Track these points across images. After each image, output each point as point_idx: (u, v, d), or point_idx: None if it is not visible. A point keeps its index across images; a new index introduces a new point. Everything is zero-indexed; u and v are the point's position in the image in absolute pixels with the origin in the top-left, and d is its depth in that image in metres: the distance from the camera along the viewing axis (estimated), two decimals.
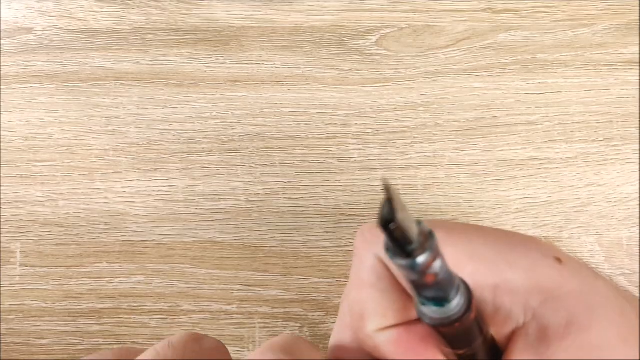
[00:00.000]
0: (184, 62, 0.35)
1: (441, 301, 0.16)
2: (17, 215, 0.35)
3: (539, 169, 0.35)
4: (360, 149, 0.35)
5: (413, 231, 0.14)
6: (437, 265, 0.15)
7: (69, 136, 0.35)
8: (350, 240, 0.34)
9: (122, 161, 0.35)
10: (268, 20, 0.35)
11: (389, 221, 0.14)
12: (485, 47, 0.36)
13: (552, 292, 0.18)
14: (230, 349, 0.34)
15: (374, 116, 0.35)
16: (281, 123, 0.35)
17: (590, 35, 0.36)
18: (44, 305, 0.34)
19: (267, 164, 0.35)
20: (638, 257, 0.36)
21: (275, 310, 0.34)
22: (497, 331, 0.19)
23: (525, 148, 0.35)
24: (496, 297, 0.19)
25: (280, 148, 0.35)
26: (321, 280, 0.34)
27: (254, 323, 0.34)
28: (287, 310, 0.34)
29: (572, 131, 0.36)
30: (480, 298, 0.19)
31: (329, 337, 0.24)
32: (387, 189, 0.14)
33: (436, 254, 0.15)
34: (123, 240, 0.35)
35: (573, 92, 0.36)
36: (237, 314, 0.34)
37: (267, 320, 0.34)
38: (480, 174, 0.35)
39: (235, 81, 0.35)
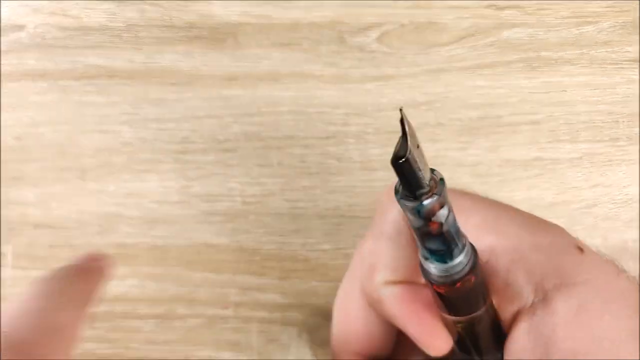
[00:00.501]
0: (179, 60, 0.35)
1: (443, 256, 0.16)
2: (8, 217, 0.34)
3: (544, 169, 0.35)
4: (360, 149, 0.35)
5: (425, 174, 0.14)
6: (443, 213, 0.15)
7: (61, 136, 0.35)
8: (350, 243, 0.34)
9: (116, 161, 0.35)
10: (265, 17, 0.35)
11: (401, 157, 0.14)
12: (489, 45, 0.35)
13: (569, 278, 0.18)
14: (226, 355, 0.33)
15: (375, 115, 0.35)
16: (279, 122, 0.35)
17: (595, 33, 0.36)
18: None
19: (265, 164, 0.35)
20: None
21: (273, 315, 0.34)
22: (503, 307, 0.19)
23: (529, 148, 0.35)
24: (510, 272, 0.19)
25: (278, 148, 0.35)
26: (320, 284, 0.34)
27: (251, 328, 0.34)
28: (285, 315, 0.34)
29: (577, 131, 0.36)
30: (493, 270, 0.19)
31: (329, 342, 0.23)
32: (404, 125, 0.14)
33: (443, 202, 0.15)
34: (116, 243, 0.34)
35: (578, 90, 0.36)
36: (233, 318, 0.34)
37: (265, 325, 0.34)
38: (484, 174, 0.35)
39: (232, 79, 0.35)
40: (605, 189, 0.35)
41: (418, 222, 0.16)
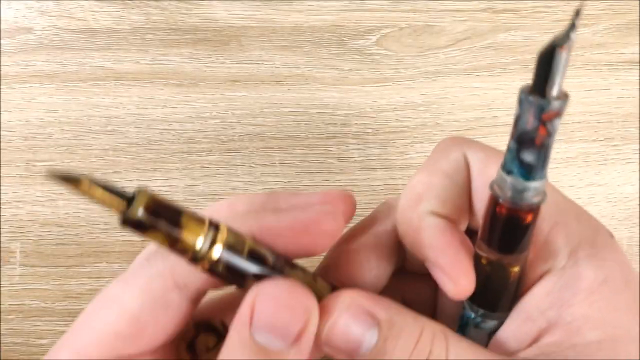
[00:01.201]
0: (183, 62, 0.35)
1: (530, 172, 0.16)
2: (16, 215, 0.34)
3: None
4: (360, 149, 0.35)
5: (560, 76, 0.15)
6: (556, 123, 0.15)
7: (69, 136, 0.35)
8: None
9: (122, 161, 0.35)
10: (268, 20, 0.35)
11: (559, 46, 0.14)
12: (486, 47, 0.36)
13: (601, 253, 0.19)
14: None
15: (374, 116, 0.35)
16: (281, 123, 0.35)
17: (590, 35, 0.36)
18: (44, 305, 0.34)
19: (267, 163, 0.35)
20: (638, 257, 0.36)
21: None
22: (535, 264, 0.20)
23: None
24: (552, 232, 0.20)
25: (280, 148, 0.35)
26: None
27: None
28: None
29: (572, 131, 0.36)
30: (538, 227, 0.19)
31: None
32: (576, 18, 0.14)
33: (561, 114, 0.15)
34: (123, 240, 0.35)
35: (573, 92, 0.35)
36: None
37: None
38: None
39: (235, 81, 0.35)
40: (600, 188, 0.36)
41: (533, 124, 0.15)
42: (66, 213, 0.35)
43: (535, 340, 0.19)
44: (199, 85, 0.35)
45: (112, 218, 0.35)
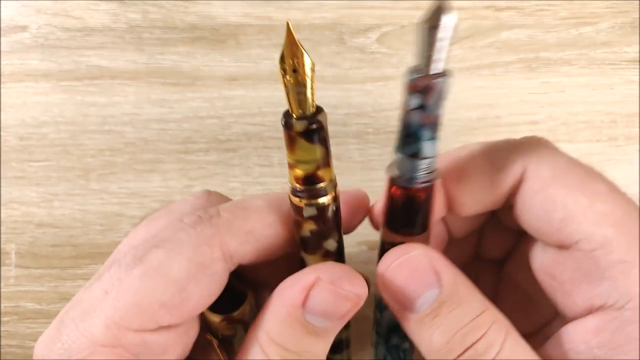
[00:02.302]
0: (180, 61, 0.35)
1: (418, 153, 0.17)
2: (11, 216, 0.34)
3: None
4: (360, 149, 0.35)
5: (436, 53, 0.16)
6: (433, 100, 0.16)
7: (65, 136, 0.35)
8: (350, 242, 0.34)
9: (118, 161, 0.34)
10: (266, 18, 0.35)
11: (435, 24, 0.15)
12: (488, 46, 0.35)
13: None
14: None
15: (375, 115, 0.35)
16: (280, 122, 0.34)
17: (594, 34, 0.36)
18: (39, 307, 0.34)
19: (266, 164, 0.35)
20: None
21: None
22: (584, 292, 0.19)
23: None
24: (615, 268, 0.19)
25: (278, 148, 0.35)
26: None
27: None
28: None
29: (575, 131, 0.36)
30: (597, 262, 0.19)
31: None
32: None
33: (433, 89, 0.16)
34: (119, 242, 0.34)
35: (577, 91, 0.36)
36: None
37: None
38: None
39: (233, 80, 0.35)
40: None
41: (410, 99, 0.17)
42: (62, 214, 0.34)
43: None
44: (196, 84, 0.35)
45: (108, 219, 0.34)
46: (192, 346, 0.21)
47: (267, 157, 0.35)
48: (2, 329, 0.34)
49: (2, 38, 0.35)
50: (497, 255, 0.26)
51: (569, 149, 0.35)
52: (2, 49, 0.35)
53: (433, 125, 0.17)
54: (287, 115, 0.17)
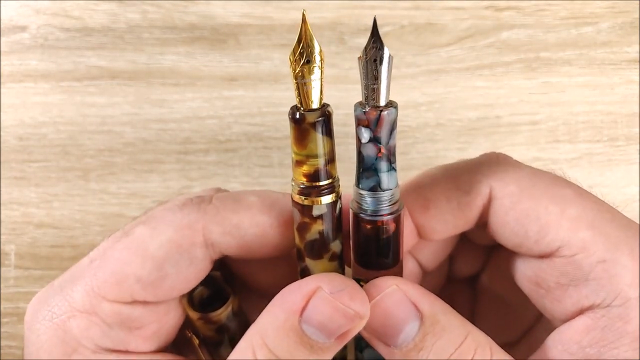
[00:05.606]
0: (180, 61, 0.35)
1: (376, 187, 0.18)
2: (11, 217, 0.34)
3: (543, 169, 0.35)
4: None
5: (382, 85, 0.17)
6: (384, 133, 0.17)
7: (64, 136, 0.35)
8: None
9: (118, 162, 0.34)
10: (266, 18, 0.35)
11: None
12: (488, 46, 0.35)
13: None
14: None
15: None
16: (280, 122, 0.35)
17: (594, 34, 0.36)
18: None
19: (266, 164, 0.35)
20: None
21: None
22: (572, 297, 0.19)
23: (528, 148, 0.35)
24: (598, 268, 0.19)
25: (278, 148, 0.35)
26: None
27: None
28: None
29: (576, 131, 0.36)
30: (577, 265, 0.19)
31: None
32: (374, 26, 0.16)
33: (381, 121, 0.17)
34: None
35: (577, 91, 0.36)
36: None
37: None
38: None
39: (233, 80, 0.35)
40: (604, 189, 0.35)
41: (362, 134, 0.17)
42: (61, 215, 0.34)
43: None
44: (196, 84, 0.35)
45: (107, 220, 0.34)
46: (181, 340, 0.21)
47: (267, 157, 0.35)
48: (2, 330, 0.34)
49: (2, 38, 0.35)
50: (470, 273, 0.26)
51: (569, 149, 0.36)
52: (1, 49, 0.35)
53: (388, 156, 0.17)
54: (296, 109, 0.17)
